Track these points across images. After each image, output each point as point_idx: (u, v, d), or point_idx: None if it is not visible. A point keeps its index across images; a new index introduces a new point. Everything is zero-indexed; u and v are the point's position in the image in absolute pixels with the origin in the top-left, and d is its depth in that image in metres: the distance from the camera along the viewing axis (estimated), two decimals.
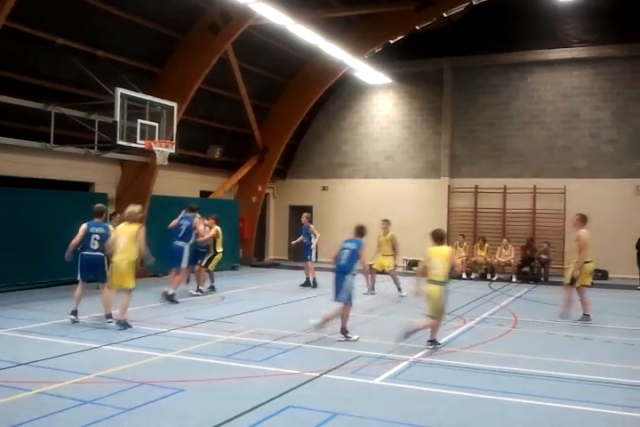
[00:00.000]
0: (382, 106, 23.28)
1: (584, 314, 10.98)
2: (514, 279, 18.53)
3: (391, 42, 20.57)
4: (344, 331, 9.20)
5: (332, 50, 18.25)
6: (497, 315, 12.26)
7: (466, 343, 9.21)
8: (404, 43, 20.57)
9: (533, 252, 18.93)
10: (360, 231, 9.70)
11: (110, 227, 10.44)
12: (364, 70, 20.84)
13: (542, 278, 18.51)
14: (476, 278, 19.07)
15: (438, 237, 9.02)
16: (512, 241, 19.52)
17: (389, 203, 22.11)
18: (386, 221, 15.46)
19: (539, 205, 20.46)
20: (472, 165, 21.67)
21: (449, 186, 21.76)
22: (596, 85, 20.35)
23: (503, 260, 19.18)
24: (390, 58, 21.36)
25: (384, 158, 23.02)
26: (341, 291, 9.14)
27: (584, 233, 10.93)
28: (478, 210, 21.32)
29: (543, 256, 18.73)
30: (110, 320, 9.82)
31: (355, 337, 9.18)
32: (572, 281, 10.92)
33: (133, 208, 10.01)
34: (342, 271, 9.20)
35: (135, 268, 9.88)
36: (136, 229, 9.71)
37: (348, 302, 9.22)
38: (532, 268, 18.83)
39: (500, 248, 19.38)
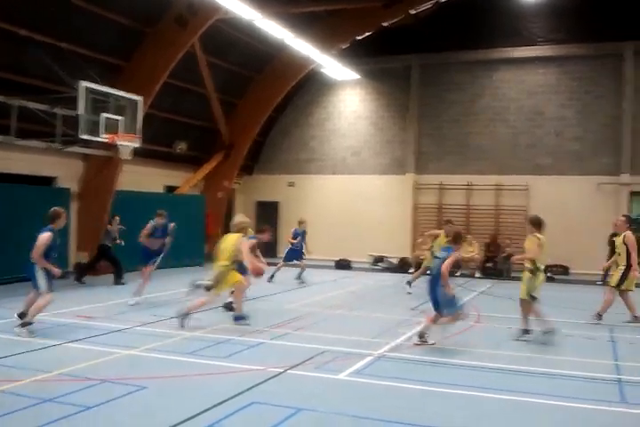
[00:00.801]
0: (350, 102, 23.34)
1: (634, 316, 10.88)
2: (477, 275, 18.80)
3: (359, 38, 20.59)
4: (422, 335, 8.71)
5: (300, 45, 18.22)
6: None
7: (430, 338, 9.28)
8: (372, 39, 20.60)
9: (497, 248, 19.19)
10: (455, 238, 8.91)
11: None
12: (331, 66, 20.86)
13: (505, 274, 18.75)
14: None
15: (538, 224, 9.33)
16: (476, 237, 19.74)
17: (356, 199, 22.22)
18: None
19: (502, 202, 20.75)
20: (438, 162, 21.86)
21: (415, 182, 21.92)
22: (562, 84, 20.67)
23: (467, 256, 19.37)
24: (358, 54, 21.39)
25: (351, 154, 23.09)
26: (440, 303, 8.47)
27: (630, 235, 10.83)
28: (443, 206, 21.52)
29: (508, 251, 19.02)
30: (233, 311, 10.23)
31: (431, 342, 8.67)
32: (619, 284, 10.69)
33: (243, 219, 10.67)
34: (433, 282, 8.55)
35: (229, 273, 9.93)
36: (238, 238, 10.00)
37: (451, 314, 8.57)
38: (496, 263, 19.09)
39: (464, 244, 19.56)
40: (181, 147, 19.99)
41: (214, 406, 5.78)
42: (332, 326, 10.22)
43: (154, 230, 12.19)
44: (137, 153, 15.48)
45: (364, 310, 11.96)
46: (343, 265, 21.21)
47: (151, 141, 17.46)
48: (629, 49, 19.64)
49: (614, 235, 17.57)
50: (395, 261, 20.77)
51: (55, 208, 8.90)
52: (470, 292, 15.31)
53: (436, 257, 8.79)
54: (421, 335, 8.69)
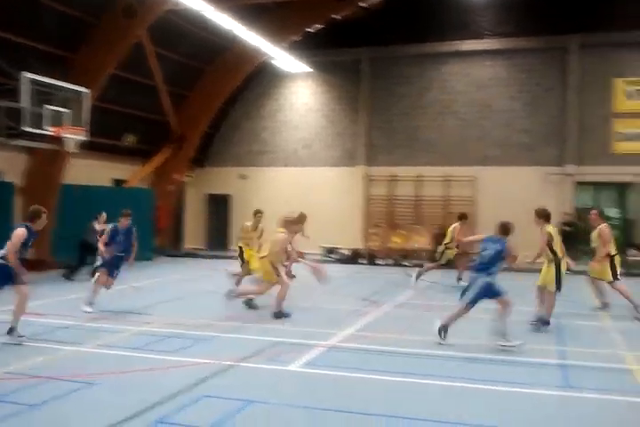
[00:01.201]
0: (301, 94, 23.31)
1: (604, 302, 11.22)
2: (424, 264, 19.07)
3: (310, 31, 20.57)
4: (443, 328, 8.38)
5: (251, 37, 18.11)
6: (411, 299, 12.57)
7: (381, 328, 9.41)
8: (323, 32, 20.59)
9: (444, 237, 19.45)
10: (505, 229, 8.56)
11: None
12: (283, 58, 20.80)
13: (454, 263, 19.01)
14: (391, 264, 19.49)
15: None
16: (427, 227, 20.01)
17: (307, 191, 22.23)
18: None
19: (451, 193, 21.04)
20: (388, 154, 22.04)
21: (366, 174, 22.06)
22: (510, 76, 21.04)
23: (417, 246, 19.67)
24: (310, 47, 21.35)
25: (302, 147, 23.09)
26: (496, 291, 8.23)
27: (605, 227, 11.07)
28: (394, 198, 21.72)
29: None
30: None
31: (516, 343, 8.10)
32: (615, 276, 10.84)
33: (290, 214, 10.96)
34: (480, 270, 8.30)
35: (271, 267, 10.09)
36: (281, 234, 10.35)
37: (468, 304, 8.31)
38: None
39: (414, 235, 19.87)
40: (130, 139, 19.67)
41: (163, 400, 5.74)
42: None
43: (114, 234, 10.62)
44: (84, 146, 15.17)
45: (315, 302, 12.01)
46: None
47: (99, 134, 17.10)
48: (574, 42, 20.11)
49: (566, 224, 18.19)
50: (346, 252, 20.89)
51: (36, 207, 8.37)
52: (420, 281, 15.51)
53: (483, 249, 8.30)
54: (443, 329, 8.31)
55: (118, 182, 20.31)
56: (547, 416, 5.61)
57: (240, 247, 12.45)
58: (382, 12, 20.40)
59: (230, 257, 20.90)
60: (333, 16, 19.98)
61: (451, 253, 14.38)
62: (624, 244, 17.54)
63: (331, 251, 21.19)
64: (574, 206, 19.84)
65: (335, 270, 18.22)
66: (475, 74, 21.45)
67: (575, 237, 18.76)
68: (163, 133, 21.23)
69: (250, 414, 5.51)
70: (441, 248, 14.56)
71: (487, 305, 8.40)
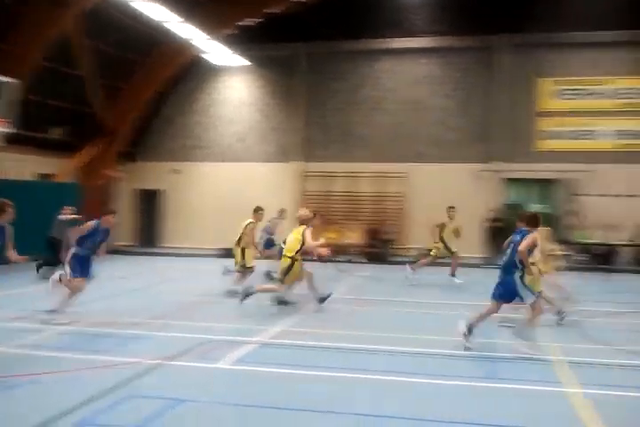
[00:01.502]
0: (236, 88, 23.14)
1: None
2: (360, 260, 19.29)
3: (246, 25, 20.39)
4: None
5: (185, 30, 17.86)
6: (344, 294, 12.68)
7: (313, 323, 9.47)
8: (260, 26, 20.46)
9: (379, 233, 19.77)
10: (533, 220, 8.01)
11: None
12: (218, 52, 20.59)
13: (387, 258, 19.35)
14: (324, 260, 19.59)
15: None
16: (360, 223, 20.23)
17: (242, 186, 22.12)
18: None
19: (385, 189, 21.32)
20: (324, 150, 22.13)
21: (301, 170, 22.10)
22: (443, 75, 21.45)
23: (351, 241, 19.86)
24: (246, 41, 21.14)
25: (237, 141, 22.94)
26: (517, 290, 7.70)
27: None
28: (330, 193, 21.83)
29: (389, 237, 19.65)
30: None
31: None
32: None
33: (304, 212, 11.50)
34: (505, 268, 7.88)
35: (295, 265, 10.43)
36: (302, 229, 10.62)
37: (534, 301, 7.78)
38: (379, 249, 19.67)
39: (348, 231, 20.06)
40: (58, 133, 19.09)
41: (88, 401, 5.62)
42: (215, 314, 10.18)
43: (93, 232, 9.35)
44: (9, 139, 14.63)
45: (248, 298, 11.96)
46: (229, 254, 21.06)
47: (26, 127, 16.56)
48: (503, 42, 20.67)
49: (495, 220, 18.75)
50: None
51: (1, 200, 8.08)
52: (353, 276, 15.69)
53: (510, 244, 7.89)
54: (470, 329, 7.85)
55: (45, 177, 19.69)
56: (469, 406, 5.79)
57: (243, 247, 12.35)
58: (318, 8, 20.42)
59: (162, 254, 20.73)
60: (268, 10, 19.89)
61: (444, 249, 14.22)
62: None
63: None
64: (502, 202, 20.42)
65: (271, 266, 18.22)
66: (407, 71, 21.78)
67: (505, 232, 19.35)
68: (93, 127, 20.68)
69: (179, 414, 5.46)
70: (436, 243, 14.37)
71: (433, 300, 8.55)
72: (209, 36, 18.87)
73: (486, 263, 18.14)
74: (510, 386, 6.43)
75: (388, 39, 21.45)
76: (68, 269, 9.23)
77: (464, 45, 21.04)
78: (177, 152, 23.36)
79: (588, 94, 20.44)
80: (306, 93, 22.30)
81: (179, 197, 22.65)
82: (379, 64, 21.94)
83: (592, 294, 12.57)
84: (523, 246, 7.54)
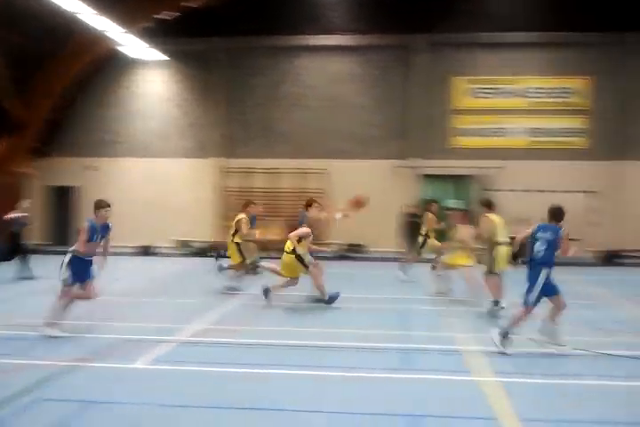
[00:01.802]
0: (154, 83, 22.67)
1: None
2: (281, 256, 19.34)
3: (163, 18, 19.99)
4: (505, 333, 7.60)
5: (100, 22, 17.38)
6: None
7: (233, 321, 9.47)
8: (179, 20, 20.09)
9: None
10: (556, 215, 7.82)
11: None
12: (134, 45, 20.12)
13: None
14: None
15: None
16: (281, 219, 20.25)
17: (161, 183, 21.79)
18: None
19: (305, 185, 21.44)
20: (244, 146, 22.02)
21: (222, 166, 21.92)
22: (361, 72, 21.70)
23: (273, 238, 19.86)
24: (164, 34, 20.68)
25: (155, 137, 22.50)
26: (532, 289, 7.52)
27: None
28: (251, 190, 21.73)
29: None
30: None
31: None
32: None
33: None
34: (539, 264, 7.55)
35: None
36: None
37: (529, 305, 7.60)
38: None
39: (269, 227, 20.03)
40: None
41: None
42: (135, 314, 10.03)
43: (92, 233, 8.58)
44: None
45: (167, 296, 11.85)
46: (147, 251, 20.79)
47: None
48: (419, 41, 21.09)
49: (411, 215, 19.14)
50: (200, 245, 20.71)
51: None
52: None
53: (535, 239, 7.62)
54: (505, 335, 7.53)
55: None
56: (384, 396, 5.95)
57: (237, 243, 12.28)
58: (237, 2, 20.31)
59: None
60: (186, 4, 19.60)
61: (432, 243, 14.18)
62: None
63: (184, 244, 20.93)
64: (419, 198, 20.90)
65: (188, 264, 18.10)
66: (326, 68, 21.95)
67: (421, 227, 19.86)
68: (2, 121, 19.81)
69: (93, 416, 5.37)
70: (421, 239, 14.37)
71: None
72: (125, 29, 18.43)
73: (402, 257, 18.51)
74: (424, 376, 6.64)
75: (308, 36, 21.53)
76: (67, 276, 8.35)
77: (382, 44, 21.37)
78: (93, 147, 22.68)
79: (500, 93, 21.24)
80: (225, 89, 22.11)
81: (95, 193, 21.96)
82: (299, 60, 22.02)
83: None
84: (566, 244, 7.46)
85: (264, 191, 21.61)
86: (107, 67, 22.27)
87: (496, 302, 9.96)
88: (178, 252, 19.87)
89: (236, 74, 22.03)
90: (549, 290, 7.53)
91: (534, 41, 20.72)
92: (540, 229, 7.72)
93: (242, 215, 12.56)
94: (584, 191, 19.76)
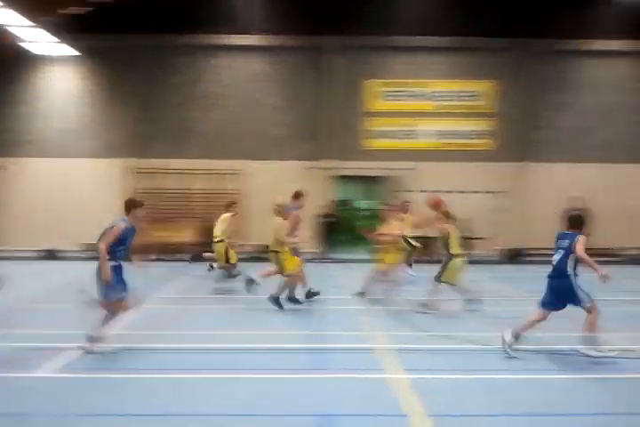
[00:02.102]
0: (64, 80, 21.84)
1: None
2: (193, 258, 19.07)
3: (73, 13, 19.26)
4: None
5: (5, 15, 16.59)
6: (177, 294, 12.50)
7: (141, 325, 9.22)
8: (89, 15, 19.42)
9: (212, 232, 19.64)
10: (576, 222, 7.52)
11: None
12: (45, 41, 19.30)
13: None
14: (156, 259, 19.17)
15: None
16: (194, 221, 19.95)
17: (68, 183, 21.09)
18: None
19: (220, 186, 21.18)
20: (157, 146, 21.51)
21: (133, 166, 21.33)
22: (279, 73, 21.71)
23: (184, 240, 19.57)
24: (74, 30, 19.90)
25: (65, 136, 21.66)
26: (579, 296, 7.24)
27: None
28: (163, 191, 21.28)
29: None
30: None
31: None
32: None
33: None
34: (558, 276, 7.35)
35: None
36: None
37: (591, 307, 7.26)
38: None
39: (181, 229, 19.74)
40: None
41: None
42: (37, 321, 9.58)
43: (126, 234, 7.70)
44: None
45: (71, 303, 11.41)
46: (53, 255, 20.01)
47: None
48: (332, 43, 21.23)
49: (327, 216, 19.34)
50: None
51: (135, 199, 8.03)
52: (186, 275, 15.47)
53: (558, 248, 7.39)
54: (517, 336, 7.44)
55: None
56: (296, 397, 5.94)
57: (223, 242, 12.25)
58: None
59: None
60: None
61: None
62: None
63: (90, 248, 20.23)
64: (334, 199, 21.11)
65: (94, 268, 17.48)
66: (242, 68, 21.83)
67: (336, 228, 20.12)
68: None
69: None
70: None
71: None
72: (32, 23, 17.63)
73: (319, 258, 18.71)
74: (336, 375, 6.68)
75: (224, 35, 21.30)
76: (105, 288, 7.50)
77: (296, 45, 21.42)
78: (0, 147, 21.58)
79: (411, 96, 21.75)
80: (138, 87, 21.53)
81: (2, 194, 21.01)
82: (215, 60, 21.79)
83: (412, 283, 13.26)
84: (580, 251, 7.13)
85: (177, 192, 21.23)
86: (13, 62, 21.25)
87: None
88: (85, 255, 19.17)
89: (150, 72, 21.51)
90: (575, 298, 7.30)
91: (443, 45, 21.35)
92: (559, 237, 7.51)
93: (227, 214, 12.61)
94: (491, 192, 20.49)
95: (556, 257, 7.37)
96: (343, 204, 21.06)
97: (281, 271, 10.54)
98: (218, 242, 12.60)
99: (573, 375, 6.79)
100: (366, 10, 20.71)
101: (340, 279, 15.01)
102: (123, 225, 7.61)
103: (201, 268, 15.81)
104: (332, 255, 19.63)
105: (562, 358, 7.52)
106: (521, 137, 21.53)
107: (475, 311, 10.25)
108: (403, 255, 12.00)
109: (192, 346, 7.91)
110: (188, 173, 21.22)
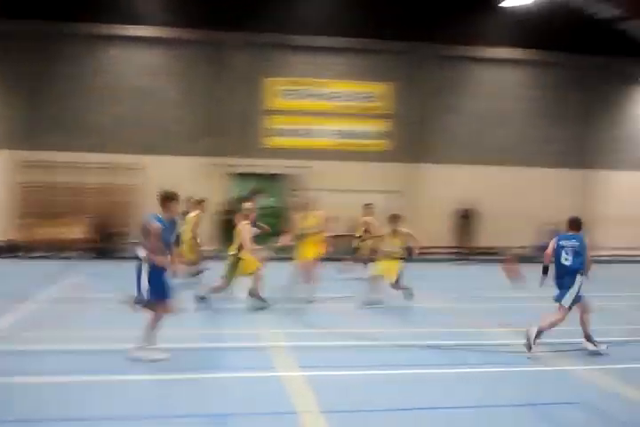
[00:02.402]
0: None
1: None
2: (84, 255, 18.45)
3: None
4: (589, 338, 8.06)
5: None
6: (66, 293, 12.02)
7: (28, 325, 8.83)
8: None
9: (107, 228, 19.08)
10: (576, 224, 8.28)
11: None
12: None
13: (116, 254, 18.73)
14: (43, 256, 18.46)
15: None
16: (87, 217, 19.27)
17: None
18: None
19: (115, 181, 20.48)
20: (47, 138, 20.40)
21: (19, 159, 20.21)
22: (176, 66, 21.14)
23: (75, 236, 18.87)
24: None
25: None
26: (567, 293, 7.88)
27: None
28: (53, 185, 20.31)
29: (118, 231, 19.08)
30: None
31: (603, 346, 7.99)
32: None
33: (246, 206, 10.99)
34: (573, 271, 7.90)
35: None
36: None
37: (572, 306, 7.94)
38: (107, 244, 18.99)
39: (72, 225, 19.00)
40: None
41: None
42: None
43: (164, 233, 7.19)
44: None
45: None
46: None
47: None
48: (233, 38, 20.90)
49: (225, 213, 19.09)
50: None
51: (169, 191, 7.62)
52: (77, 273, 14.94)
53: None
54: (539, 334, 7.76)
55: None
56: (179, 398, 5.87)
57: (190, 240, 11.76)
58: None
59: None
60: None
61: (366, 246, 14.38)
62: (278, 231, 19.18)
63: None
64: (233, 196, 20.91)
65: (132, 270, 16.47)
66: (141, 60, 21.16)
67: (229, 225, 19.88)
68: None
69: None
70: (356, 242, 14.61)
71: None
72: None
73: (218, 255, 18.48)
74: (229, 375, 6.66)
75: (122, 26, 20.55)
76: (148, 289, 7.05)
77: (196, 39, 20.85)
78: None
79: (310, 95, 21.93)
80: (26, 77, 20.45)
81: None
82: (110, 51, 20.80)
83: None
84: (589, 252, 7.98)
85: (67, 187, 20.34)
86: None
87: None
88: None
89: (43, 61, 20.37)
90: (579, 295, 7.94)
91: (343, 46, 21.62)
92: (561, 238, 8.16)
93: (193, 214, 12.11)
94: (386, 191, 20.98)
95: (569, 257, 7.94)
96: (240, 201, 20.77)
97: (227, 277, 10.47)
98: (187, 242, 12.07)
99: (455, 369, 7.10)
100: (268, 7, 20.66)
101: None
102: (158, 225, 7.10)
103: (96, 265, 15.30)
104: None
105: (450, 353, 7.85)
106: (417, 139, 22.19)
107: (376, 308, 10.54)
108: (318, 251, 11.89)
109: (62, 348, 7.62)
110: (81, 166, 20.40)
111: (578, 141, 23.26)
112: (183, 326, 8.80)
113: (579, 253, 7.92)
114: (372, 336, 8.51)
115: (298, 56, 21.84)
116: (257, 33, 20.73)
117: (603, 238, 21.29)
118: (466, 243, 20.82)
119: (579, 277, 7.87)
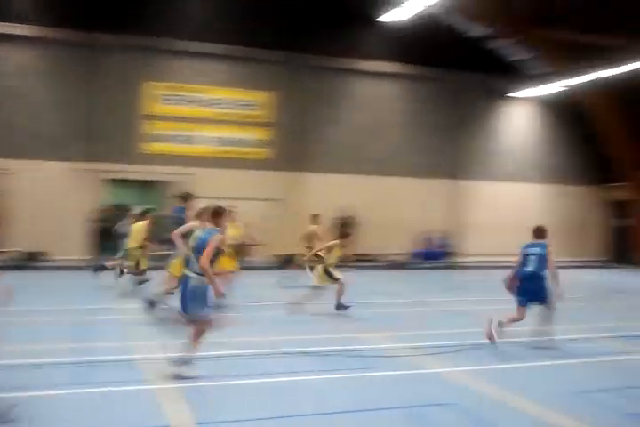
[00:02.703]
0: None
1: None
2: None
3: None
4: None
5: None
6: None
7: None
8: None
9: None
10: (541, 232, 9.05)
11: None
12: None
13: None
14: None
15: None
16: None
17: None
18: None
19: None
20: None
21: None
22: (48, 67, 20.25)
23: None
24: None
25: None
26: (541, 292, 8.65)
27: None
28: None
29: None
30: None
31: None
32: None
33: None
34: (538, 275, 8.65)
35: None
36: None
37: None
38: None
39: None
40: None
41: None
42: None
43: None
44: None
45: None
46: None
47: None
48: (108, 41, 20.30)
49: (101, 220, 18.37)
50: None
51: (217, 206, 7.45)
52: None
53: (531, 254, 8.77)
54: (500, 324, 8.60)
55: None
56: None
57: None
58: None
59: None
60: None
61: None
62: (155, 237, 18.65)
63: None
64: (109, 203, 20.17)
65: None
66: (9, 60, 20.08)
67: (112, 233, 19.19)
68: None
69: None
70: (305, 251, 14.08)
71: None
72: None
73: (90, 265, 17.74)
74: (101, 389, 6.40)
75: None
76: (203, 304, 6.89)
77: (67, 38, 19.98)
78: None
79: (191, 101, 21.64)
80: None
81: None
82: None
83: None
84: (552, 259, 8.68)
85: None
86: None
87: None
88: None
89: None
90: (543, 296, 8.66)
91: (225, 53, 21.55)
92: (528, 246, 8.92)
93: (142, 223, 12.96)
94: (268, 199, 21.06)
95: (533, 264, 8.67)
96: (120, 208, 20.04)
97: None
98: (134, 249, 12.83)
99: (327, 375, 7.19)
100: (149, 11, 20.20)
101: (118, 288, 14.34)
102: (219, 237, 6.98)
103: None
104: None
105: (324, 359, 7.95)
106: (297, 148, 22.43)
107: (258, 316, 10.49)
108: (235, 262, 11.75)
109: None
110: None
111: (450, 153, 24.43)
112: (57, 340, 8.40)
113: (542, 260, 8.64)
114: (250, 345, 8.46)
115: (179, 61, 21.53)
116: (135, 36, 20.22)
117: (473, 245, 22.48)
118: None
119: (544, 281, 8.61)
